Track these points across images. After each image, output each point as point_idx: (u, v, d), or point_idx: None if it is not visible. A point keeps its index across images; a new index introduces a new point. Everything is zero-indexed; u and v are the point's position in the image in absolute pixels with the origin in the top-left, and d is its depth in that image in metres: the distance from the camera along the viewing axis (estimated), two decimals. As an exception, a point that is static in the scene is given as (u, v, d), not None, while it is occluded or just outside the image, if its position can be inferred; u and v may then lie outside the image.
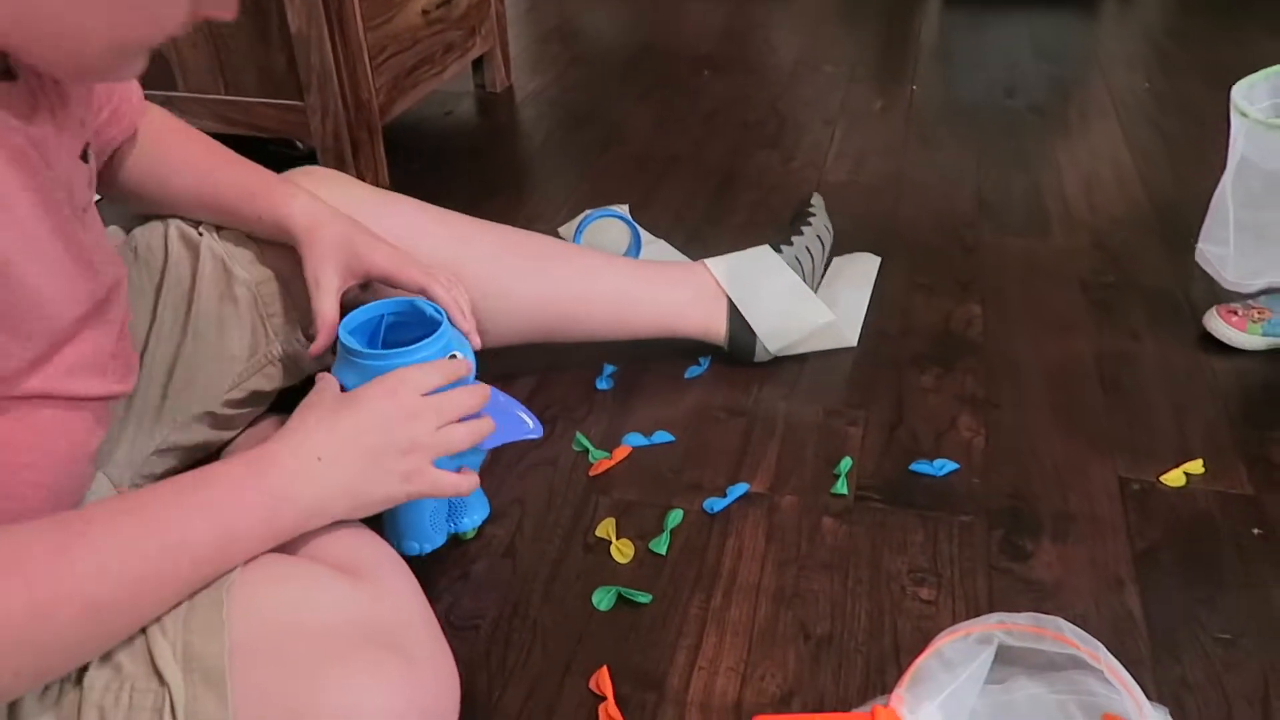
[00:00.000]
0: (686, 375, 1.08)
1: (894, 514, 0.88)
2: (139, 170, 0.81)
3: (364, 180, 1.46)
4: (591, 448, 0.97)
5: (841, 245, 1.26)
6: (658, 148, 1.66)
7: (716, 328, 1.06)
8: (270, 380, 0.87)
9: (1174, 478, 0.91)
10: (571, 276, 1.02)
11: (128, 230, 0.86)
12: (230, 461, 0.62)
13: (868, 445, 0.96)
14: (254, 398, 0.87)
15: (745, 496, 0.90)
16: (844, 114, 1.76)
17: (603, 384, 1.06)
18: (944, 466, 0.93)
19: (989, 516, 0.88)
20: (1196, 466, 0.92)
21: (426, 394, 0.70)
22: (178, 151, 0.83)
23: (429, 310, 0.80)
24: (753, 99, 1.84)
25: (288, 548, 0.64)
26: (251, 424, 0.91)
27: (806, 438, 0.98)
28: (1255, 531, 0.85)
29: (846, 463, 0.93)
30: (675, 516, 0.88)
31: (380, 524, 0.78)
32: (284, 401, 0.90)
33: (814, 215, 1.16)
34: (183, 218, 0.85)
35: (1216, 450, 0.95)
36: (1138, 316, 1.16)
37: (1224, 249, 1.04)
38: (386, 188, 1.52)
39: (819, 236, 1.13)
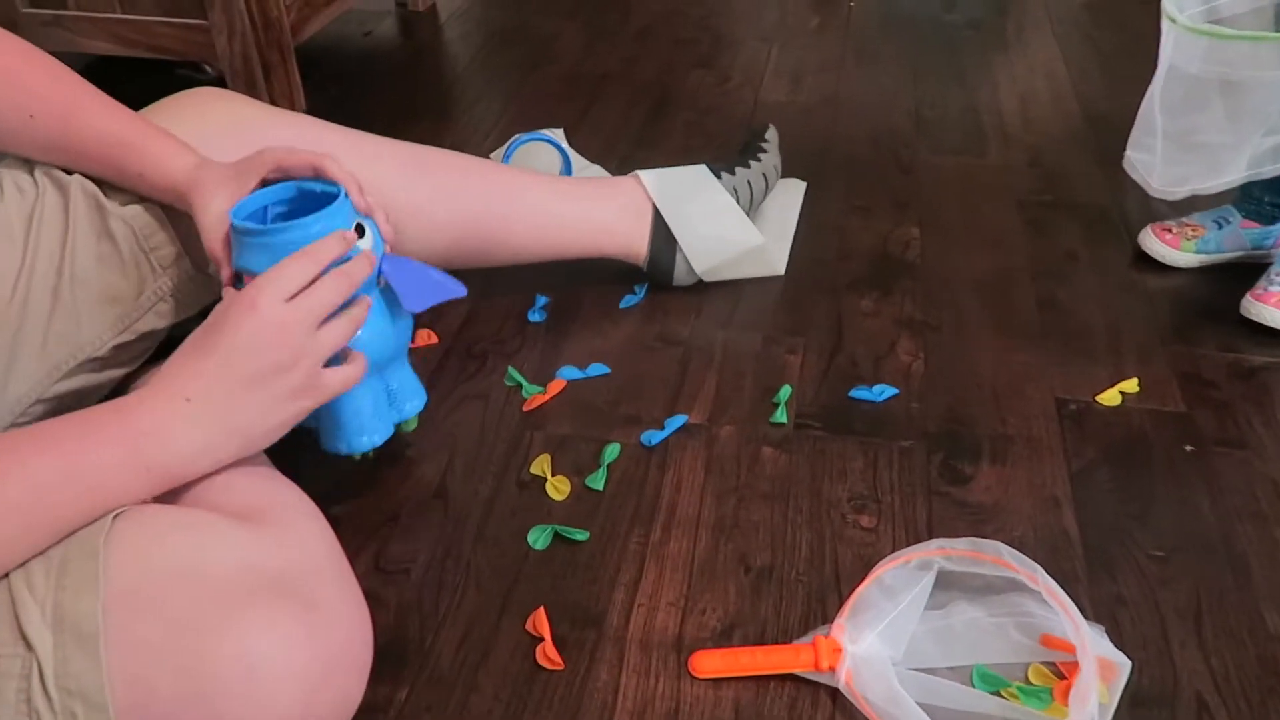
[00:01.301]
0: (621, 305, 1.04)
1: (834, 441, 0.87)
2: None
3: (277, 106, 1.39)
4: (524, 382, 0.93)
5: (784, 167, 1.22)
6: (588, 67, 1.59)
7: (639, 245, 1.02)
8: (162, 317, 0.81)
9: (1109, 397, 0.91)
10: (491, 193, 0.97)
11: None
12: (97, 407, 0.58)
13: (806, 372, 0.95)
14: (146, 338, 0.81)
15: (683, 428, 0.88)
16: (780, 31, 1.71)
17: (534, 316, 1.02)
18: (883, 392, 0.91)
19: (928, 441, 0.87)
20: (1131, 385, 0.92)
21: (294, 295, 0.63)
22: (26, 86, 0.74)
23: (319, 188, 0.74)
24: (686, 15, 1.77)
25: (178, 496, 0.60)
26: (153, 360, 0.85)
27: (744, 366, 0.95)
28: (1187, 449, 0.86)
29: (785, 391, 0.91)
30: (612, 451, 0.85)
31: (314, 428, 0.76)
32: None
33: (765, 151, 1.11)
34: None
35: (1151, 369, 0.95)
36: (1074, 235, 1.15)
37: (1150, 156, 1.02)
38: (302, 112, 1.43)
39: (764, 175, 1.08)
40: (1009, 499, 0.81)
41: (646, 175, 1.02)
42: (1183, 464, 0.85)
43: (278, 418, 0.63)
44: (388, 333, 0.76)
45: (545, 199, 1.00)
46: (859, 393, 0.91)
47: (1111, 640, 0.69)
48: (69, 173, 0.77)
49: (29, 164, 0.77)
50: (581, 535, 0.78)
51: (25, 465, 0.53)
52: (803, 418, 0.89)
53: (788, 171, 1.24)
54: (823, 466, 0.84)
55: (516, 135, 1.20)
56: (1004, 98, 1.47)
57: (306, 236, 0.68)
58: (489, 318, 1.02)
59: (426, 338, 0.99)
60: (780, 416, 0.89)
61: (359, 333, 0.69)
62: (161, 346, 0.83)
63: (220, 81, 1.39)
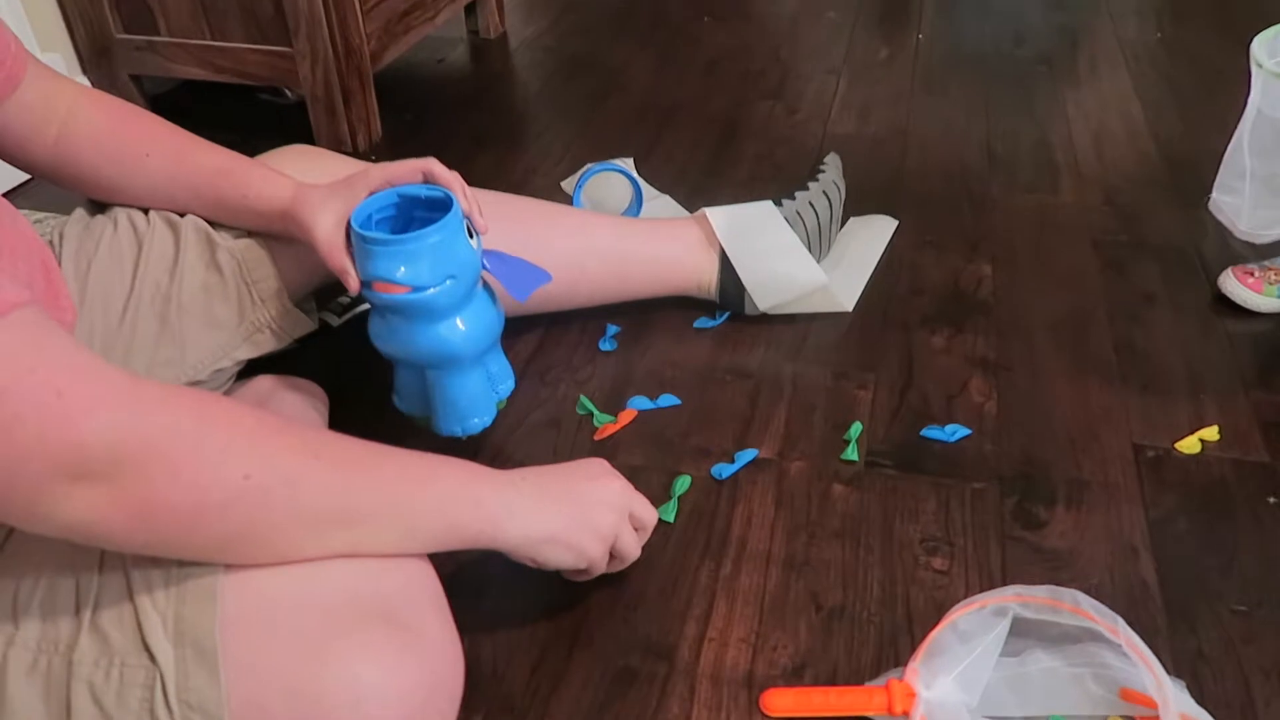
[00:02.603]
0: (695, 325, 1.05)
1: (905, 481, 0.86)
2: (92, 152, 0.78)
3: (357, 131, 1.43)
4: (596, 411, 0.94)
5: (849, 199, 1.22)
6: (658, 97, 1.61)
7: (708, 279, 1.03)
8: (258, 346, 0.84)
9: (1189, 444, 0.89)
10: (562, 241, 0.99)
11: (91, 214, 0.82)
12: (466, 463, 0.65)
13: (877, 409, 0.94)
14: (240, 364, 0.84)
15: (754, 462, 0.89)
16: (848, 64, 1.71)
17: (606, 345, 1.03)
18: (956, 432, 0.91)
19: (1002, 483, 0.86)
20: (1212, 433, 0.90)
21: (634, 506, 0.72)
22: (139, 132, 0.80)
23: (423, 193, 0.79)
24: (754, 47, 1.79)
25: None
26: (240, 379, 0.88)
27: (815, 401, 0.96)
28: (1270, 500, 0.84)
29: (856, 428, 0.91)
30: (683, 483, 0.86)
31: (426, 417, 0.85)
32: (270, 363, 0.88)
33: (823, 171, 1.13)
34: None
35: (1232, 416, 0.93)
36: (1151, 276, 1.14)
37: (1238, 199, 1.02)
38: (378, 138, 1.47)
39: (825, 193, 1.09)
40: (1085, 545, 0.80)
41: (713, 213, 1.04)
42: (1267, 516, 0.83)
43: (573, 540, 0.68)
44: (494, 323, 0.82)
45: (614, 241, 1.02)
46: (931, 432, 0.91)
47: (1192, 697, 0.68)
48: (181, 215, 0.81)
49: (144, 210, 0.81)
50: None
51: (409, 507, 0.59)
52: (874, 455, 0.89)
53: (858, 206, 1.24)
54: (894, 506, 0.84)
55: (589, 165, 1.22)
56: (1077, 134, 1.46)
57: (436, 244, 0.74)
58: (561, 345, 1.04)
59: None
60: (851, 454, 0.89)
61: (472, 323, 0.79)
62: (243, 371, 0.86)
63: (301, 105, 1.44)
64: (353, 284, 0.75)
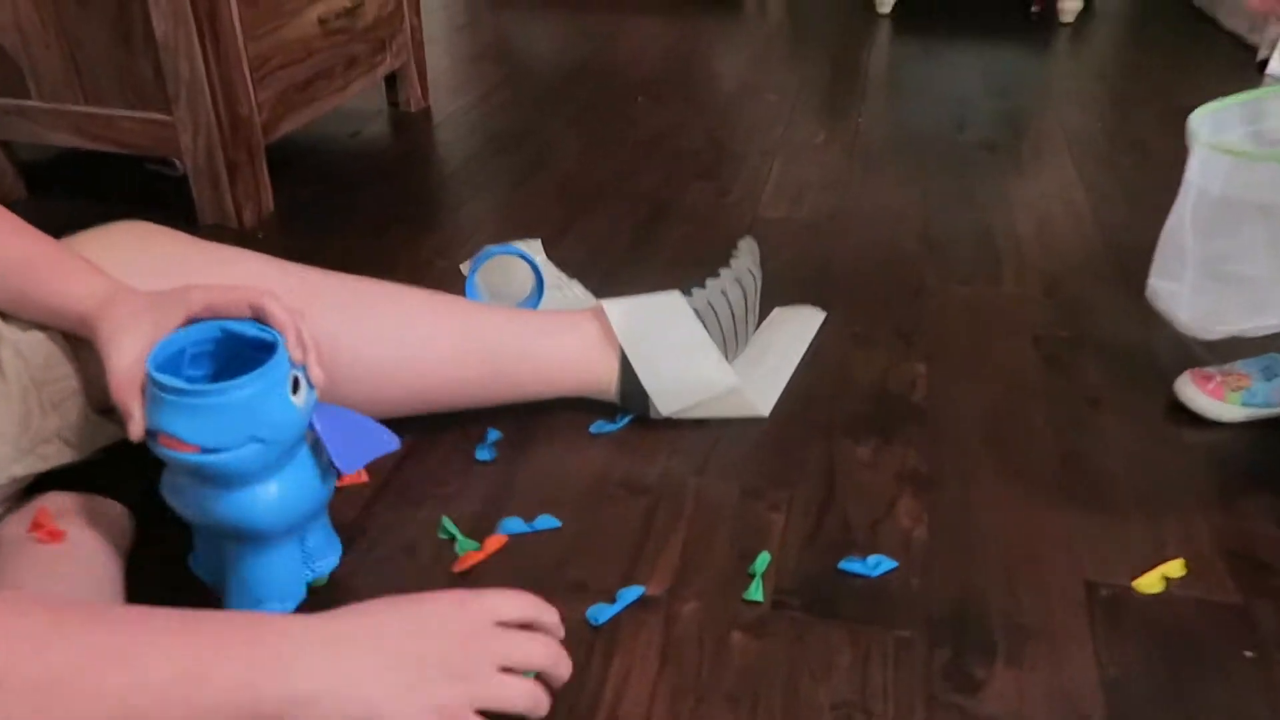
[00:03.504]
0: (592, 430, 0.92)
1: (817, 627, 0.73)
2: None
3: (243, 207, 1.31)
4: (459, 535, 0.80)
5: (775, 288, 1.12)
6: (583, 176, 1.51)
7: (607, 380, 0.91)
8: (44, 460, 0.70)
9: (1150, 582, 0.77)
10: (442, 340, 0.87)
11: None
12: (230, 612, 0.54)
13: (790, 535, 0.81)
14: (18, 481, 0.70)
15: (639, 602, 0.74)
16: (785, 145, 1.63)
17: (483, 454, 0.90)
18: (879, 564, 0.78)
19: (931, 630, 0.73)
20: (1176, 568, 0.78)
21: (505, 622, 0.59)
22: None
23: (250, 331, 0.66)
24: (690, 126, 1.70)
25: None
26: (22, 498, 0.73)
27: (718, 524, 0.82)
28: (1247, 654, 0.71)
29: (763, 559, 0.78)
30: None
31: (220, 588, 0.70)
32: (60, 478, 0.73)
33: (736, 257, 1.02)
34: None
35: (1197, 545, 0.81)
36: (1097, 378, 1.03)
37: (1178, 285, 0.90)
38: (269, 213, 1.35)
39: (739, 280, 0.98)
40: (1028, 712, 0.66)
41: (612, 307, 0.92)
42: (1243, 674, 0.70)
43: (413, 707, 0.53)
44: (314, 494, 0.68)
45: (503, 337, 0.90)
46: (850, 564, 0.78)
47: None
48: None
49: None
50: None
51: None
52: (782, 594, 0.75)
53: (784, 295, 1.13)
54: (802, 659, 0.70)
55: (486, 247, 1.10)
56: (1019, 222, 1.37)
57: (239, 400, 0.60)
58: (431, 453, 0.90)
59: (355, 476, 0.86)
60: (755, 593, 0.75)
61: (284, 493, 0.66)
62: (29, 488, 0.72)
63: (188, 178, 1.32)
64: (135, 431, 0.62)
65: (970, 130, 1.70)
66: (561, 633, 0.63)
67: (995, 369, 1.04)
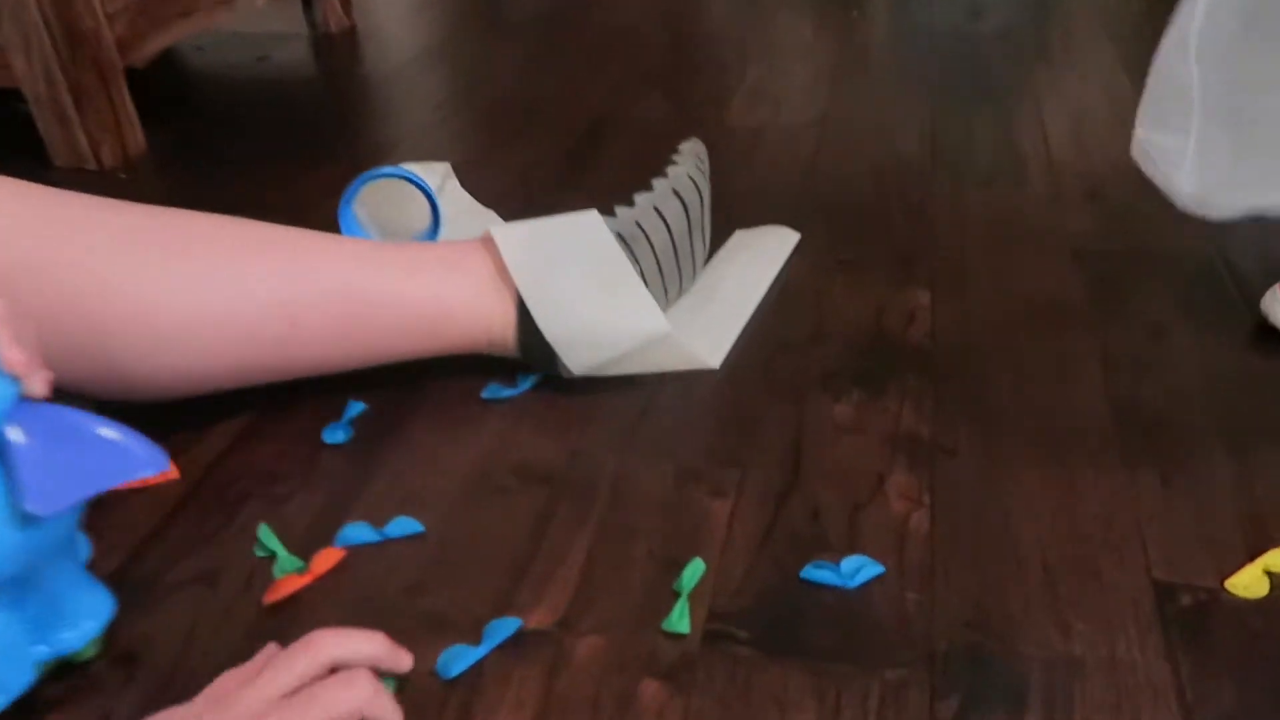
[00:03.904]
0: (483, 396, 0.70)
1: (768, 670, 0.50)
2: None
3: (100, 144, 1.08)
4: (281, 551, 0.58)
5: (740, 208, 0.89)
6: (520, 94, 1.27)
7: (501, 330, 0.68)
8: None
9: (1249, 581, 0.53)
10: (260, 278, 0.64)
11: None
12: None
13: (738, 532, 0.59)
14: None
15: (514, 638, 0.53)
16: (763, 45, 1.38)
17: (334, 435, 0.68)
18: (860, 571, 0.55)
19: (934, 670, 0.50)
20: (1284, 560, 0.55)
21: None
22: None
23: None
24: (649, 28, 1.45)
25: None
26: None
27: (640, 522, 0.60)
28: None
29: (694, 570, 0.55)
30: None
31: None
32: None
33: (674, 164, 0.78)
34: None
35: (1309, 523, 0.58)
36: (1161, 301, 0.79)
37: (1177, 138, 0.62)
38: (140, 151, 1.12)
39: (677, 192, 0.75)
40: (1082, 797, 0.44)
41: (503, 234, 0.69)
42: (1402, 723, 0.47)
43: None
44: (11, 541, 0.45)
45: (356, 278, 0.67)
46: (819, 572, 0.55)
47: None
48: None
49: None
50: None
51: None
52: (720, 619, 0.53)
53: (748, 216, 0.90)
54: (745, 718, 0.48)
55: (363, 173, 0.87)
56: (1051, 119, 1.12)
57: None
58: (269, 437, 0.68)
59: (161, 474, 0.65)
60: (679, 621, 0.53)
61: None
62: None
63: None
64: None
65: (987, 18, 1.44)
66: (394, 663, 0.48)
67: (1023, 294, 0.80)
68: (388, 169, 0.86)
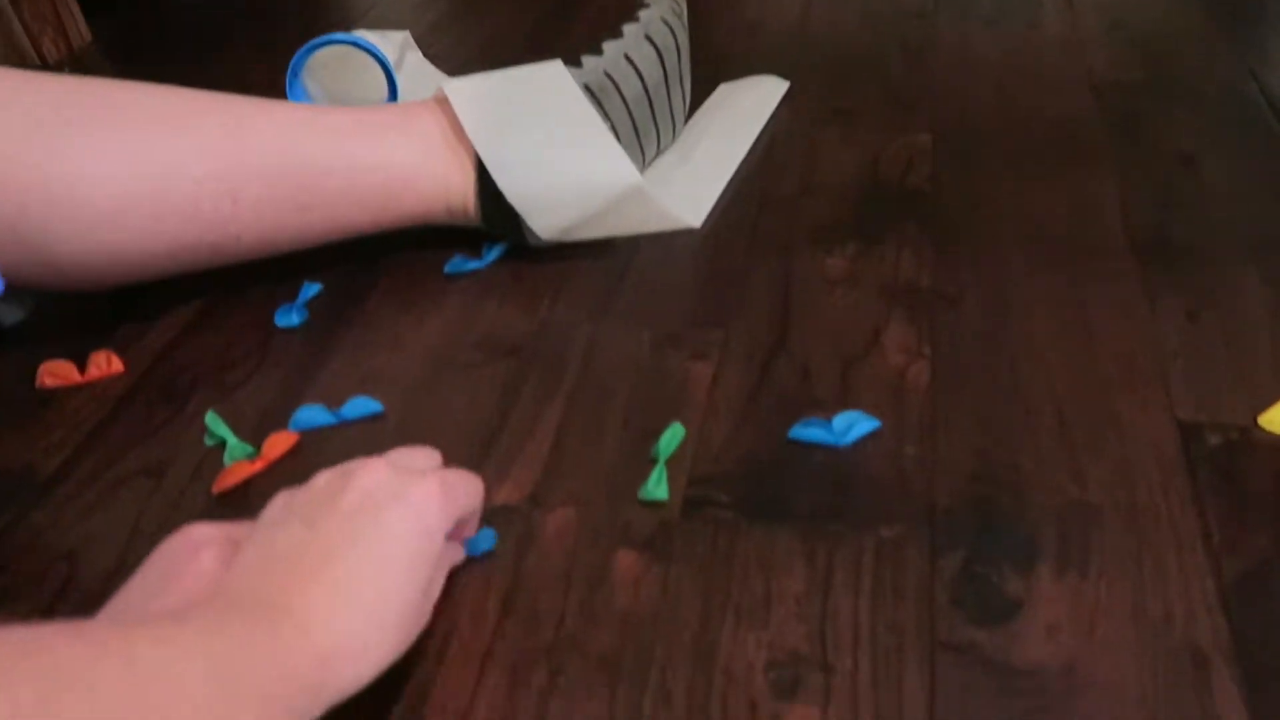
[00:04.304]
0: (446, 271, 0.65)
1: (752, 534, 0.46)
2: None
3: (40, 35, 1.01)
4: (231, 438, 0.54)
5: (724, 59, 0.81)
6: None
7: (460, 195, 0.63)
8: None
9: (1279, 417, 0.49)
10: (198, 147, 0.59)
11: None
12: None
13: (720, 395, 0.54)
14: None
15: (484, 515, 0.49)
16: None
17: (287, 318, 0.63)
18: (853, 427, 0.50)
19: (935, 525, 0.46)
20: (1326, 392, 0.49)
21: None
22: None
23: None
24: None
25: None
26: None
27: (614, 389, 0.55)
28: None
29: (673, 435, 0.51)
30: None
31: None
32: None
33: (647, 6, 0.71)
34: None
35: (1352, 353, 0.52)
36: (1189, 131, 0.71)
37: None
38: (84, 44, 1.05)
39: (649, 37, 0.67)
40: (1097, 654, 0.40)
41: (455, 89, 0.63)
42: None
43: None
44: None
45: (299, 144, 0.61)
46: (808, 430, 0.50)
47: None
48: None
49: None
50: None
51: None
52: (700, 484, 0.49)
53: (739, 67, 0.82)
54: (725, 589, 0.44)
55: (311, 41, 0.80)
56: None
57: None
58: (220, 323, 0.64)
59: (106, 363, 0.61)
60: (656, 488, 0.48)
61: None
62: None
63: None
64: None
65: None
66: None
67: (1034, 131, 0.73)
68: (338, 35, 0.79)
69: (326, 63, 0.81)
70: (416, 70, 0.88)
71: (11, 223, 0.56)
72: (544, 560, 0.46)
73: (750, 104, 0.79)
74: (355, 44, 0.79)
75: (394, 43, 0.89)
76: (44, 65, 1.02)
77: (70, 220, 0.57)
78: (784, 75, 0.82)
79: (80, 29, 1.05)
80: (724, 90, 0.81)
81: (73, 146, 0.57)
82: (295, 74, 0.78)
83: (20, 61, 1.02)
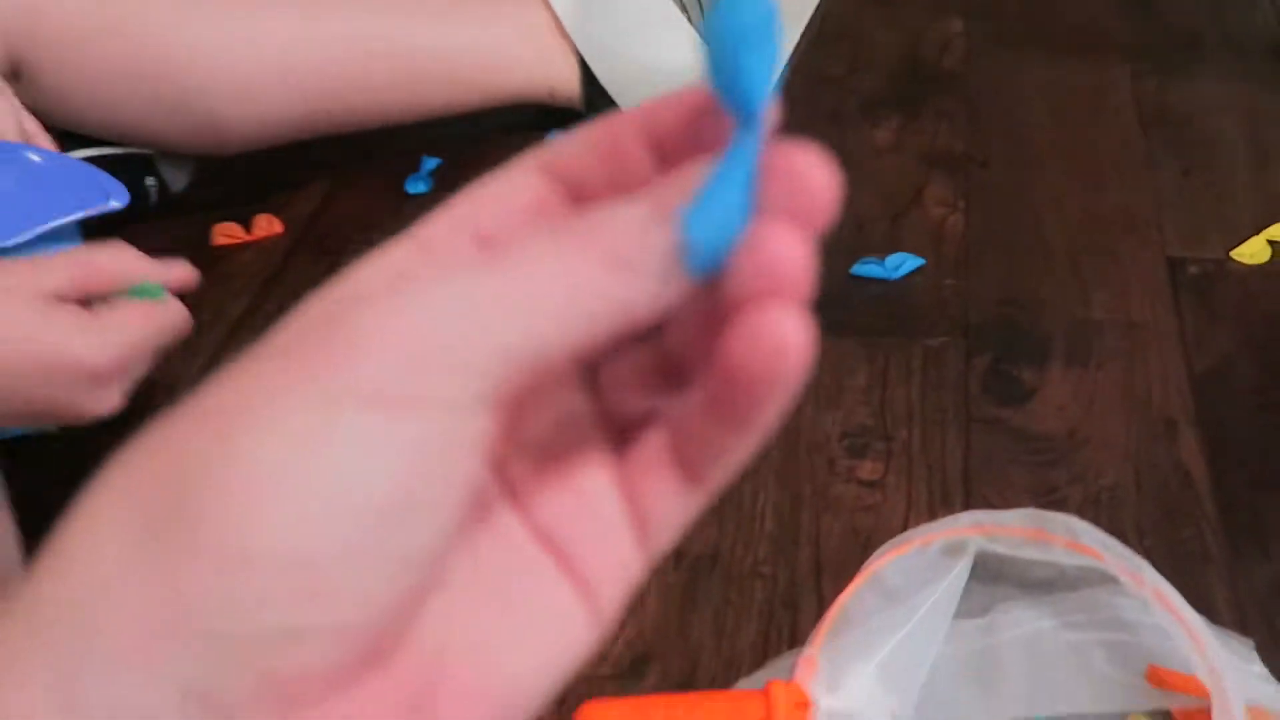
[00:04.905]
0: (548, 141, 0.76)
1: (824, 343, 0.58)
2: None
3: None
4: (388, 282, 0.66)
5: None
6: None
7: (564, 79, 0.73)
8: None
9: (1252, 250, 0.60)
10: (318, 27, 0.68)
11: None
12: None
13: (792, 241, 0.65)
14: None
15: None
16: None
17: (416, 185, 0.74)
18: (902, 264, 0.62)
19: (969, 336, 0.58)
20: (1287, 229, 0.61)
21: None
22: None
23: None
24: None
25: None
26: None
27: (702, 238, 0.67)
28: (1384, 326, 0.55)
29: (756, 271, 0.63)
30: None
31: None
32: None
33: None
34: None
35: (1314, 200, 0.63)
36: (1194, 13, 0.81)
37: None
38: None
39: None
40: (1094, 423, 0.53)
41: None
42: (1376, 352, 0.54)
43: None
44: None
45: (413, 27, 0.71)
46: (865, 267, 0.62)
47: (1270, 662, 0.42)
48: None
49: None
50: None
51: None
52: (781, 310, 0.61)
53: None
54: (806, 384, 0.57)
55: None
56: None
57: None
58: (356, 191, 0.75)
59: (268, 224, 0.72)
60: (745, 311, 0.61)
61: None
62: None
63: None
64: None
65: None
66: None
67: (1056, 15, 0.82)
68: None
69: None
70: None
71: (180, 97, 0.66)
72: (659, 367, 0.58)
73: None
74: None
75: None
76: None
77: (229, 90, 0.66)
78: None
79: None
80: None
81: (225, 28, 0.67)
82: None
83: None
